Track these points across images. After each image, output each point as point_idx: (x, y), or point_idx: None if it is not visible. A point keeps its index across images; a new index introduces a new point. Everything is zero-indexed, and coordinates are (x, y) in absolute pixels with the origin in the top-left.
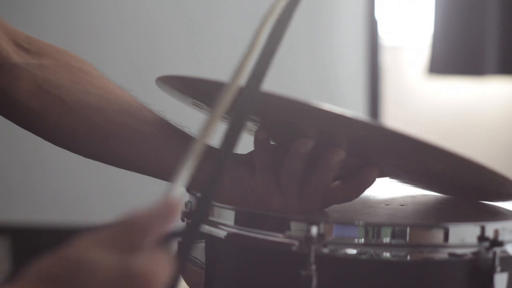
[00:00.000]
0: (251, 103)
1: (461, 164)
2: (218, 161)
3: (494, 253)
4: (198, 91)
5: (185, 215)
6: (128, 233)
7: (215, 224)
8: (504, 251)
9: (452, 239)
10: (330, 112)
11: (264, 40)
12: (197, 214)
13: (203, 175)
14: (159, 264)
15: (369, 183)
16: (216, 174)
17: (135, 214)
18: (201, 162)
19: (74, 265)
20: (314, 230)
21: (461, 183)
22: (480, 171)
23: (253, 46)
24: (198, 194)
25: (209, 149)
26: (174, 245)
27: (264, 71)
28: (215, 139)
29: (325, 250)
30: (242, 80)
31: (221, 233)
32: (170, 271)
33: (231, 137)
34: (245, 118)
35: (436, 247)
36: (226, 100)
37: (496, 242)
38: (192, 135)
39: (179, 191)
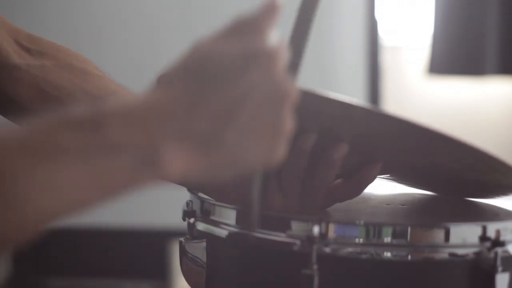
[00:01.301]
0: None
1: (465, 152)
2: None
3: (496, 253)
4: None
5: (186, 214)
6: (244, 24)
7: (216, 224)
8: (506, 251)
9: (453, 239)
10: (335, 100)
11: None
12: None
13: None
14: (277, 43)
15: (370, 180)
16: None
17: (244, 14)
18: None
19: (201, 60)
20: (315, 229)
21: (464, 176)
22: (484, 157)
23: None
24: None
25: None
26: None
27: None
28: None
29: (327, 250)
30: None
31: (222, 232)
32: (285, 52)
33: None
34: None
35: (437, 247)
36: None
37: (497, 242)
38: None
39: None
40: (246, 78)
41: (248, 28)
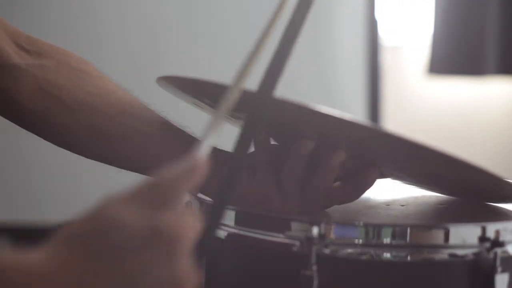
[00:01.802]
0: (265, 107)
1: (461, 168)
2: (232, 165)
3: (495, 254)
4: (199, 91)
5: None
6: (157, 191)
7: None
8: (505, 252)
9: (453, 240)
10: (328, 115)
11: (278, 42)
12: (211, 219)
13: (215, 181)
14: (188, 221)
15: (369, 184)
16: (231, 179)
17: (163, 174)
18: (213, 169)
19: (103, 225)
20: (315, 230)
21: (462, 185)
22: (481, 175)
23: (259, 46)
24: (210, 200)
25: (221, 153)
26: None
27: (278, 75)
28: (221, 141)
29: (326, 251)
30: (247, 82)
31: (221, 233)
32: (197, 229)
33: (244, 142)
34: (258, 122)
35: (436, 247)
36: (228, 101)
37: (497, 243)
38: (194, 136)
39: (205, 150)
40: (143, 258)
41: (162, 195)
